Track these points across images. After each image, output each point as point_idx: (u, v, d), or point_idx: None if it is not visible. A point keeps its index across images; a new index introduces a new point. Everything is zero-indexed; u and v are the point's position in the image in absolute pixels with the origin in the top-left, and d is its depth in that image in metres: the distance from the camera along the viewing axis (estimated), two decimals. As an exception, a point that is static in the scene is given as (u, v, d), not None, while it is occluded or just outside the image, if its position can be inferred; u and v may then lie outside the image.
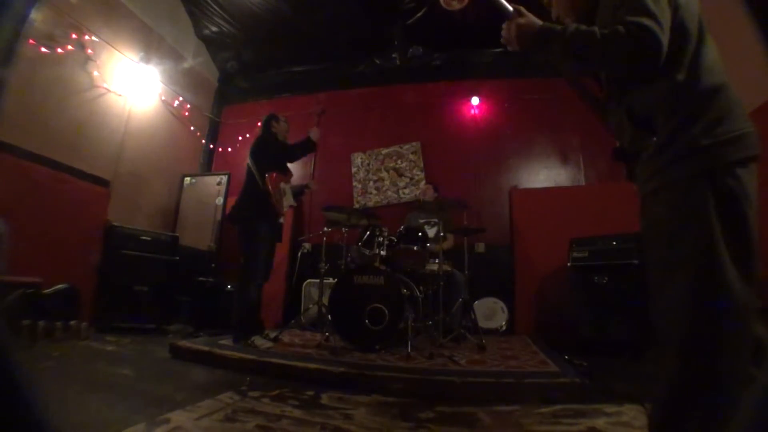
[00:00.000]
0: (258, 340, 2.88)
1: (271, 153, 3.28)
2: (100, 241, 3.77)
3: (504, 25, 1.02)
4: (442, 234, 3.33)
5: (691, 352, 0.81)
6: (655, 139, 0.90)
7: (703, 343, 0.79)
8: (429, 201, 4.05)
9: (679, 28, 0.88)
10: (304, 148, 3.40)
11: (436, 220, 3.61)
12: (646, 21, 0.83)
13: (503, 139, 4.92)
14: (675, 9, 0.89)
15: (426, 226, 3.58)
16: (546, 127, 4.84)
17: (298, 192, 3.57)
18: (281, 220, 3.31)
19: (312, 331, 3.65)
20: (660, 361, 0.88)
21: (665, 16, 0.86)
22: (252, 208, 3.14)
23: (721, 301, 0.78)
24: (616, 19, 0.88)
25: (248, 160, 3.28)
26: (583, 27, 0.90)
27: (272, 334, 3.13)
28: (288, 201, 3.29)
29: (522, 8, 1.01)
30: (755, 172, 0.85)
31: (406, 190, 5.04)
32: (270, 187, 3.11)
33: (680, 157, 0.86)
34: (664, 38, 0.84)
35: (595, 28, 0.88)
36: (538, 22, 0.97)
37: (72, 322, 2.98)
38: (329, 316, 3.03)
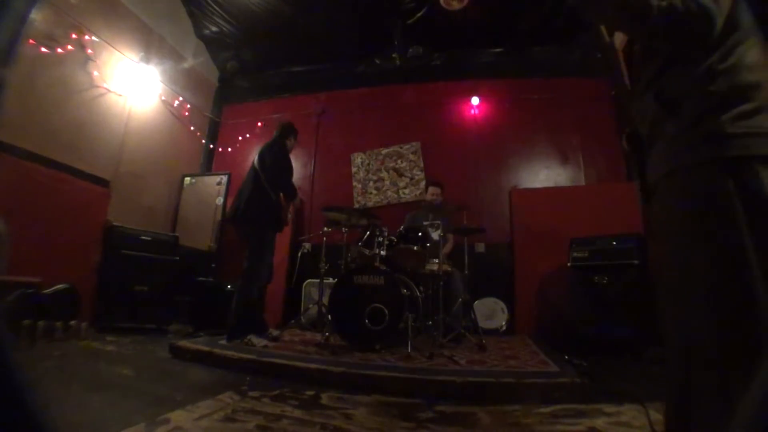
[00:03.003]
0: (254, 339, 2.89)
1: (285, 172, 3.31)
2: (100, 241, 3.77)
3: None
4: (442, 234, 3.32)
5: (704, 368, 0.76)
6: (678, 121, 0.87)
7: (720, 360, 0.74)
8: (437, 207, 3.97)
9: (731, 18, 0.86)
10: (291, 195, 3.39)
11: (439, 221, 3.61)
12: (705, 0, 0.82)
13: (503, 139, 4.92)
14: (735, 1, 0.88)
15: (430, 228, 3.57)
16: (546, 127, 4.84)
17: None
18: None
19: (312, 331, 3.65)
20: (668, 366, 0.85)
21: (725, 2, 0.85)
22: (264, 215, 3.17)
23: (747, 314, 0.71)
24: None
25: (255, 163, 3.28)
26: None
27: (275, 333, 3.15)
28: (289, 216, 3.47)
29: None
30: None
31: (406, 190, 5.04)
32: (283, 200, 3.24)
33: (701, 140, 0.83)
34: (719, 21, 0.83)
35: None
36: None
37: (72, 322, 2.98)
38: (329, 316, 3.03)
